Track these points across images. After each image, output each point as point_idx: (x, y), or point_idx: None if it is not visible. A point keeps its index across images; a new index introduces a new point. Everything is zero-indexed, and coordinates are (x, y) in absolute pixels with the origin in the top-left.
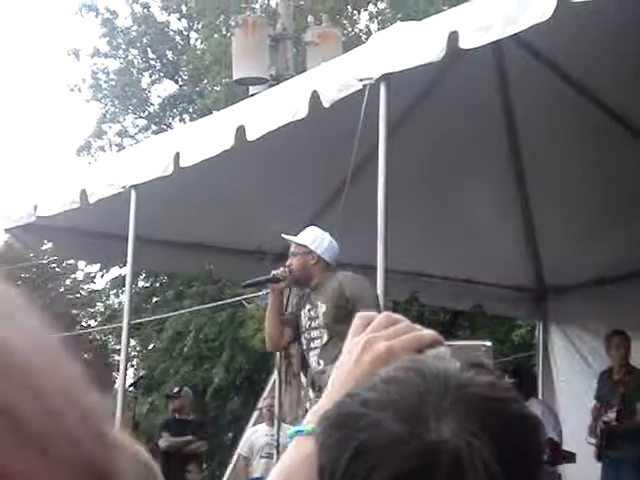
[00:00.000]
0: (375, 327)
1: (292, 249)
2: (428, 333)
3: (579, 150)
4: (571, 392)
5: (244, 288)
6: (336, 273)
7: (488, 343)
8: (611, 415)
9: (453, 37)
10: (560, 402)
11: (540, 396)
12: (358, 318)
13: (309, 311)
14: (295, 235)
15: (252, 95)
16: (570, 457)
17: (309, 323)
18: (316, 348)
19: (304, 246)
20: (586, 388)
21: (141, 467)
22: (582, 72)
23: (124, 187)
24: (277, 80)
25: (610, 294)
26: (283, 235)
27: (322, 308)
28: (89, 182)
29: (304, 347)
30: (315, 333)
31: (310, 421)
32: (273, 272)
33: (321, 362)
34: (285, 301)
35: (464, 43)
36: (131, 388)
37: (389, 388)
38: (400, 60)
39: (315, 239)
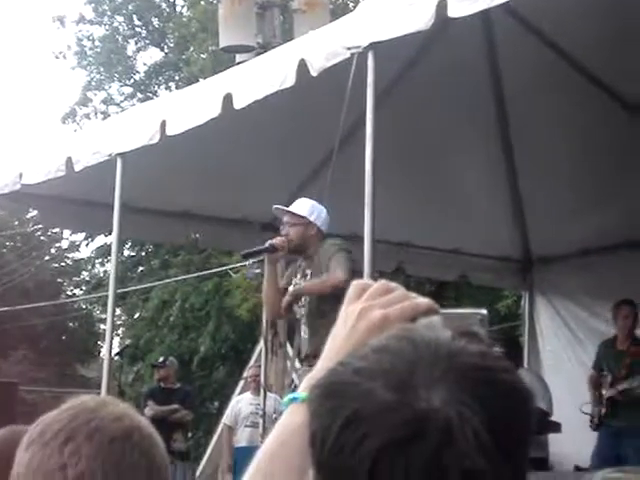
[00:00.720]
0: (371, 295)
1: (287, 219)
2: (423, 301)
3: (567, 121)
4: (557, 362)
5: (244, 258)
6: (324, 242)
7: (484, 311)
8: (635, 384)
9: (442, 5)
10: (546, 372)
11: (526, 364)
12: (353, 286)
13: (300, 280)
14: (284, 205)
15: (239, 63)
16: (555, 427)
17: None
18: (303, 317)
19: (302, 217)
20: (572, 358)
21: (146, 440)
22: (571, 42)
23: (110, 155)
24: (264, 48)
25: (595, 265)
26: (276, 206)
27: (310, 279)
28: (74, 150)
29: (296, 316)
30: (303, 302)
31: (305, 389)
32: (269, 242)
33: (306, 330)
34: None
35: (453, 12)
36: (116, 357)
37: (380, 357)
38: (388, 29)
39: (313, 210)
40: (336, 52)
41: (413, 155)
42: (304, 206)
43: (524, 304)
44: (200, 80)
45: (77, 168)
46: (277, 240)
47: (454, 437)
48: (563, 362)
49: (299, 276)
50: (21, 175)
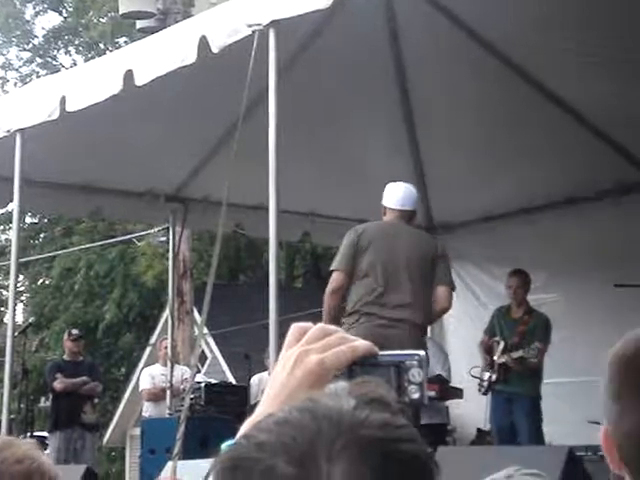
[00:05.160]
0: (309, 339)
1: None
2: (361, 344)
3: (468, 92)
4: (459, 326)
5: None
6: None
7: (422, 352)
8: (532, 352)
9: None
10: (449, 338)
11: (429, 332)
12: (292, 328)
13: None
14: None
15: (139, 29)
16: (458, 393)
17: None
18: None
19: None
20: (475, 322)
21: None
22: (472, 15)
23: (8, 131)
24: (164, 14)
25: (496, 231)
26: None
27: None
28: None
29: None
30: None
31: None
32: None
33: None
34: None
35: None
36: (20, 334)
37: (282, 430)
38: (289, 6)
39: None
40: (237, 29)
41: (317, 126)
42: None
43: None
44: (100, 45)
45: None
46: None
47: None
48: (466, 326)
49: None
50: None
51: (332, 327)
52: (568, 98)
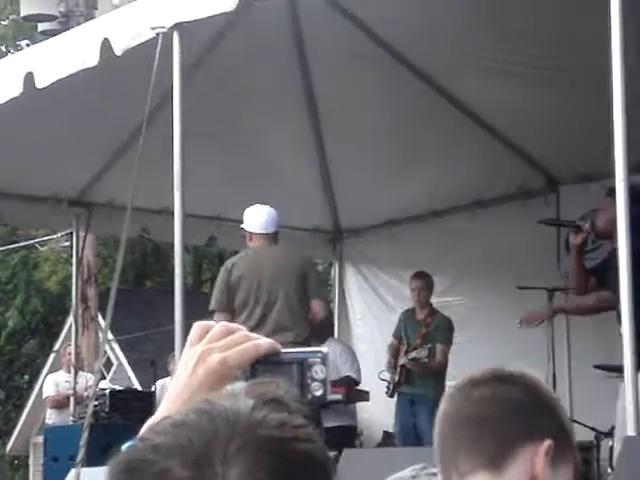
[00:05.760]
0: (211, 338)
1: None
2: (264, 342)
3: (373, 97)
4: (366, 329)
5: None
6: None
7: (325, 349)
8: (423, 353)
9: None
10: (357, 341)
11: (336, 334)
12: (195, 327)
13: None
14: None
15: (41, 32)
16: (364, 396)
17: None
18: None
19: None
20: (382, 325)
21: None
22: (376, 18)
23: None
24: (67, 17)
25: (401, 235)
26: None
27: None
28: None
29: None
30: None
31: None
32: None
33: None
34: None
35: None
36: None
37: (178, 432)
38: (193, 9)
39: None
40: (140, 32)
41: (222, 129)
42: None
43: (334, 274)
44: (1, 47)
45: None
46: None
47: None
48: (373, 329)
49: None
50: None
51: (234, 325)
52: (472, 103)
